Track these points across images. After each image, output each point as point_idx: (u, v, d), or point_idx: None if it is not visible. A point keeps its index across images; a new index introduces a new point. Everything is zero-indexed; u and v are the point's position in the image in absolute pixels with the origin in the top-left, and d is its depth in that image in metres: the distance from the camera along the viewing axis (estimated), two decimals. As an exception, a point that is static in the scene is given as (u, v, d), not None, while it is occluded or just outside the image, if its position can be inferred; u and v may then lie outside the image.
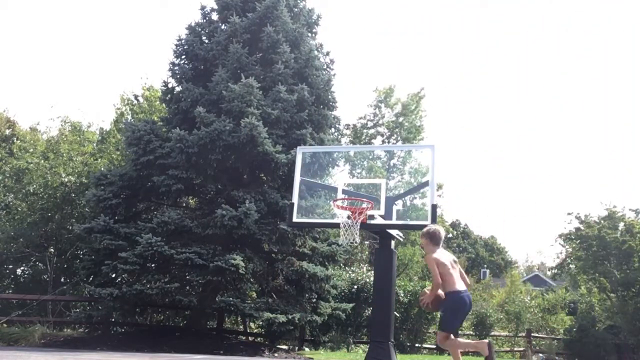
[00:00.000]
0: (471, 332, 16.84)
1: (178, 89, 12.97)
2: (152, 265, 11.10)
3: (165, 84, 13.18)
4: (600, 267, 17.80)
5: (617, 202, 42.13)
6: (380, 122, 27.10)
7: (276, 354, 11.28)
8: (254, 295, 13.76)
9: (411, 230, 21.03)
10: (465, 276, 5.64)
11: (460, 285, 5.45)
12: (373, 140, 26.75)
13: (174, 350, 10.27)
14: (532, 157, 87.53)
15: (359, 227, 7.32)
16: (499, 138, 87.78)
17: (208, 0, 23.71)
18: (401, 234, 8.29)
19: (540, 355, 17.65)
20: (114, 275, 11.66)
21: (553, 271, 34.29)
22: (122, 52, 73.02)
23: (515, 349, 17.97)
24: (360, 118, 27.16)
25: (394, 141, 26.19)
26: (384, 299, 7.48)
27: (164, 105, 14.59)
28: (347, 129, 25.61)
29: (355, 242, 7.46)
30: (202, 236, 11.08)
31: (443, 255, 5.55)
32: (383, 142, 26.51)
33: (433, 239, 5.62)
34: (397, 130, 26.28)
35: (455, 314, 5.53)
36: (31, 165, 14.80)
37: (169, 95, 13.20)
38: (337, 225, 7.62)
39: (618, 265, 17.59)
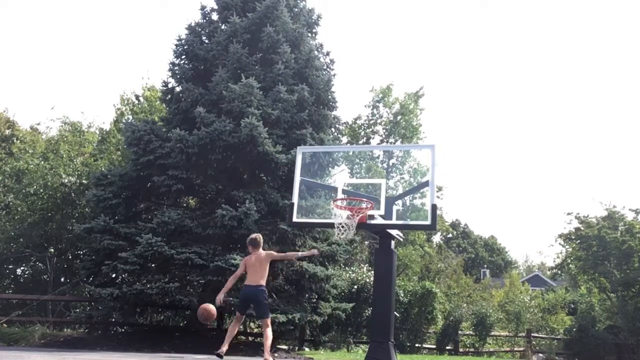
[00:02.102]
0: (471, 332, 16.85)
1: (178, 89, 12.96)
2: (152, 265, 11.09)
3: (165, 84, 13.18)
4: (600, 267, 17.81)
5: (617, 202, 42.19)
6: (379, 121, 27.10)
7: (276, 354, 11.28)
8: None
9: (411, 230, 21.09)
10: (264, 271, 7.15)
11: (246, 281, 7.14)
12: (371, 140, 26.74)
13: (174, 350, 10.27)
14: (532, 157, 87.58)
15: (355, 225, 7.34)
16: (499, 138, 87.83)
17: (208, 0, 23.73)
18: (401, 234, 8.29)
19: (540, 355, 17.65)
20: (114, 275, 11.65)
21: (553, 271, 34.32)
22: (122, 52, 73.08)
23: (515, 349, 17.97)
24: (357, 118, 27.15)
25: (392, 141, 26.18)
26: (384, 299, 7.48)
27: (164, 105, 14.59)
28: (346, 127, 25.62)
29: (351, 237, 7.56)
30: (202, 236, 11.07)
31: (250, 258, 7.18)
32: (381, 142, 26.50)
33: (248, 245, 7.28)
34: (395, 129, 26.26)
35: (239, 300, 7.47)
36: (31, 166, 14.80)
37: (169, 95, 13.20)
38: (337, 225, 7.62)
39: (618, 265, 17.60)
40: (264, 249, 7.46)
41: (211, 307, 7.27)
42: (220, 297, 7.20)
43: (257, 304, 7.08)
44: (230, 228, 10.58)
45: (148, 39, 79.01)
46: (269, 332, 7.11)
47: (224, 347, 7.02)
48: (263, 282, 7.12)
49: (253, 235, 7.40)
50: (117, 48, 73.91)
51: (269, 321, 7.17)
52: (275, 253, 7.53)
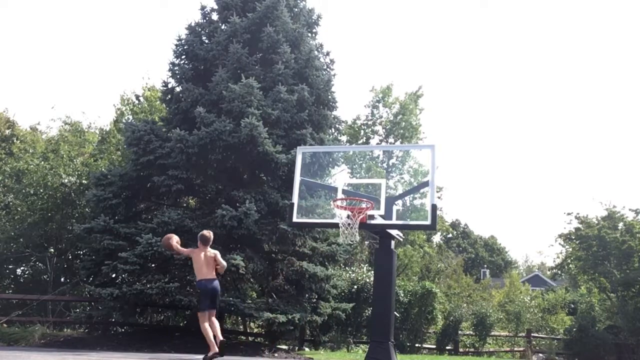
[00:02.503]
0: (471, 332, 16.86)
1: (178, 89, 12.96)
2: (152, 265, 11.09)
3: (165, 84, 13.17)
4: (600, 267, 17.81)
5: (617, 202, 42.19)
6: (378, 121, 27.11)
7: (276, 354, 11.28)
8: (254, 295, 13.76)
9: (411, 230, 21.09)
10: (217, 267, 7.69)
11: (203, 275, 7.53)
12: (371, 140, 26.75)
13: (174, 350, 10.27)
14: (532, 157, 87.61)
15: (357, 225, 7.35)
16: (499, 138, 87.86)
17: (208, 0, 23.70)
18: (401, 234, 8.31)
19: (540, 355, 17.65)
20: (114, 275, 11.64)
21: (553, 271, 34.33)
22: (122, 52, 73.10)
23: (515, 349, 17.97)
24: (356, 118, 27.16)
25: (392, 141, 26.18)
26: (384, 299, 7.50)
27: (164, 105, 14.58)
28: (346, 127, 25.62)
29: (356, 241, 7.58)
30: (202, 236, 11.06)
31: (199, 252, 7.70)
32: (381, 142, 26.51)
33: (199, 240, 7.75)
34: (394, 129, 26.27)
35: (201, 296, 7.68)
36: (31, 166, 14.80)
37: (169, 95, 13.19)
38: (337, 225, 7.64)
39: (618, 265, 17.60)
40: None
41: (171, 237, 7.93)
42: (172, 243, 7.75)
43: (218, 296, 7.74)
44: (230, 228, 10.58)
45: (148, 39, 79.06)
46: (215, 320, 7.63)
47: (215, 348, 7.33)
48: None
49: (206, 233, 7.85)
50: (117, 48, 73.95)
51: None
52: (218, 257, 7.81)
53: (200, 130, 11.17)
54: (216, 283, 7.62)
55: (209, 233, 7.88)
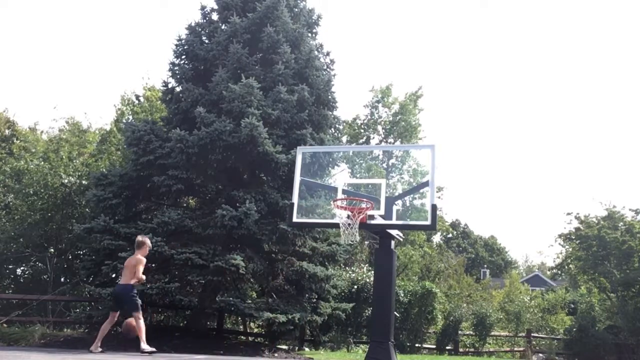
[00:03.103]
0: (471, 332, 16.86)
1: (178, 89, 12.94)
2: (152, 265, 11.08)
3: (166, 84, 13.16)
4: (600, 267, 17.81)
5: (617, 202, 42.21)
6: (378, 121, 27.15)
7: (276, 354, 11.28)
8: (254, 295, 13.76)
9: (411, 230, 21.12)
10: (132, 273, 8.25)
11: (121, 279, 8.41)
12: (371, 140, 26.80)
13: (174, 350, 10.26)
14: (532, 157, 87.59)
15: (357, 225, 7.35)
16: (499, 138, 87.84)
17: (208, 0, 23.74)
18: (401, 234, 8.31)
19: (540, 355, 17.66)
20: (114, 275, 11.63)
21: (553, 271, 34.35)
22: (122, 52, 73.10)
23: (515, 349, 17.98)
24: (355, 118, 27.18)
25: (392, 141, 26.21)
26: (384, 298, 7.50)
27: (164, 105, 14.58)
28: (345, 126, 25.63)
29: (356, 241, 7.59)
30: (202, 236, 11.07)
31: (130, 257, 8.42)
32: (380, 142, 26.55)
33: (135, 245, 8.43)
34: (394, 129, 26.31)
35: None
36: (31, 166, 14.80)
37: (169, 96, 13.18)
38: (337, 225, 7.64)
39: (618, 265, 17.60)
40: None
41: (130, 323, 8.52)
42: (131, 324, 8.42)
43: (125, 302, 8.28)
44: (231, 228, 10.57)
45: (148, 39, 79.06)
46: (141, 324, 8.20)
47: (98, 343, 8.28)
48: (131, 282, 8.27)
49: (139, 238, 8.45)
50: (118, 48, 73.96)
51: (139, 315, 8.25)
52: (142, 266, 8.27)
53: (200, 130, 11.16)
54: (119, 288, 8.26)
55: (142, 238, 8.43)
